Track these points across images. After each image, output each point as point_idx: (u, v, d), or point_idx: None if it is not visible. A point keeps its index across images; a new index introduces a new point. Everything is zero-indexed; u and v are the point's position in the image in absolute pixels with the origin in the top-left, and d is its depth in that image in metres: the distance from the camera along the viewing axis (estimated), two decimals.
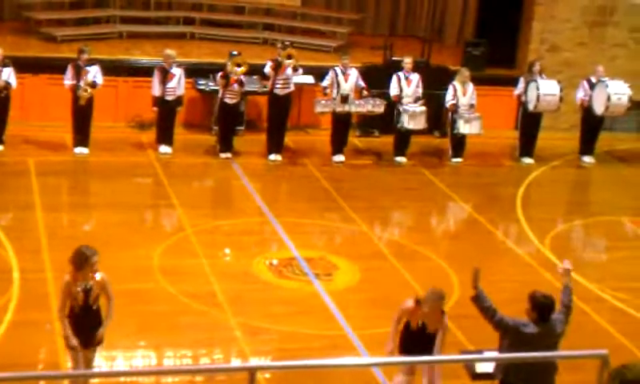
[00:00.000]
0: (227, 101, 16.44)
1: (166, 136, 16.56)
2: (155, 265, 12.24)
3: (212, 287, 11.77)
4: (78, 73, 15.88)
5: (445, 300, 9.75)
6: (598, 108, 17.77)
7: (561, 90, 17.46)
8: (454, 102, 17.19)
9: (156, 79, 16.34)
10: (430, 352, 9.37)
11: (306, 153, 17.32)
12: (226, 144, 16.63)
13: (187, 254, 12.71)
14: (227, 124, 16.64)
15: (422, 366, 9.60)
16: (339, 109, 16.82)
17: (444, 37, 22.52)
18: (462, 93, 17.24)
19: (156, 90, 16.35)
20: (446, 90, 17.38)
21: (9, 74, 15.76)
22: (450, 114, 17.44)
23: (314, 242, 13.61)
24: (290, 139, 17.36)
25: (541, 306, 8.30)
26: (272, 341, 10.74)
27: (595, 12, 20.09)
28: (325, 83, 16.94)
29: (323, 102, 16.86)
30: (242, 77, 16.35)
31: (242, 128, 17.65)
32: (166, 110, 16.38)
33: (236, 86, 16.36)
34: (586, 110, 18.00)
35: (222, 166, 16.35)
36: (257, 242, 13.50)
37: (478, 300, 8.50)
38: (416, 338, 9.49)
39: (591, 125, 18.10)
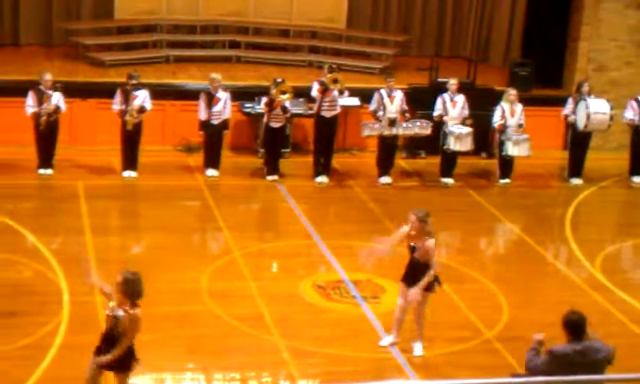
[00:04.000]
0: (272, 125, 16.50)
1: (212, 159, 16.65)
2: (203, 287, 12.27)
3: (259, 310, 11.78)
4: (127, 97, 16.03)
5: (428, 219, 10.46)
6: None
7: (611, 109, 17.31)
8: (502, 122, 17.10)
9: (202, 103, 16.45)
10: (416, 277, 10.52)
11: (353, 175, 17.31)
12: (272, 167, 16.68)
13: (235, 277, 12.73)
14: (273, 147, 16.70)
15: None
16: (387, 132, 16.79)
17: (490, 57, 22.44)
18: (510, 113, 17.14)
19: (202, 114, 16.45)
20: (493, 110, 17.31)
21: (58, 99, 15.95)
22: (497, 135, 17.35)
23: (360, 264, 13.55)
24: (336, 161, 17.36)
25: (570, 323, 8.17)
26: (320, 364, 10.70)
27: None
28: (372, 106, 16.92)
29: (370, 125, 16.84)
30: (286, 103, 16.39)
31: (288, 150, 17.68)
32: (213, 133, 16.47)
33: (280, 110, 16.41)
34: (635, 130, 17.81)
35: (268, 188, 16.39)
36: (304, 264, 13.50)
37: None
38: (410, 262, 10.65)
39: None
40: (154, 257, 13.13)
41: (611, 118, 17.31)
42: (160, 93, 17.37)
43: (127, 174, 16.29)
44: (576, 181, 17.71)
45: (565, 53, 20.23)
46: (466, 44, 22.64)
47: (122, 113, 16.07)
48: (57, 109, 15.93)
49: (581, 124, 17.37)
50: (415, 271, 10.63)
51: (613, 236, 15.56)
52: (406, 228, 10.62)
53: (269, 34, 21.86)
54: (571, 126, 17.75)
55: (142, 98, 16.11)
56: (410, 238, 10.61)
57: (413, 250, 10.61)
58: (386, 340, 11.07)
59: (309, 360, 10.73)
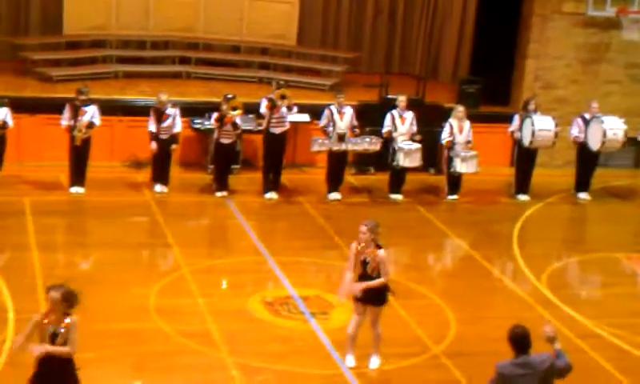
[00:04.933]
0: (222, 141, 16.49)
1: (161, 175, 16.58)
2: (151, 304, 12.20)
3: (208, 326, 11.73)
4: (76, 113, 15.92)
5: (377, 229, 10.57)
6: (594, 144, 17.83)
7: (556, 126, 17.53)
8: (450, 138, 17.25)
9: (151, 119, 16.38)
10: (369, 291, 10.59)
11: (302, 191, 17.35)
12: (221, 183, 16.65)
13: (183, 293, 12.67)
14: (223, 163, 16.68)
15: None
16: (336, 147, 16.86)
17: (439, 74, 22.63)
18: (458, 130, 17.30)
19: (152, 128, 16.38)
20: (442, 127, 17.45)
21: (5, 114, 15.79)
22: (446, 152, 17.50)
23: (310, 280, 13.58)
24: (285, 177, 17.38)
25: (514, 338, 8.25)
26: (268, 380, 10.68)
27: (589, 49, 20.21)
28: (322, 122, 16.99)
29: (320, 140, 16.91)
30: (236, 119, 16.39)
31: (238, 167, 17.67)
32: (161, 149, 16.41)
33: (230, 127, 16.41)
34: (581, 147, 18.07)
35: (217, 204, 16.36)
36: (252, 280, 13.47)
37: None
38: (362, 277, 10.67)
39: (586, 161, 18.16)
40: (102, 273, 13.02)
41: (556, 135, 17.54)
42: (109, 108, 17.25)
43: (75, 189, 16.16)
44: (523, 197, 17.91)
45: (513, 71, 20.48)
46: (415, 61, 22.82)
47: (71, 128, 15.96)
48: (4, 124, 15.76)
49: (526, 141, 17.58)
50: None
51: (559, 252, 15.73)
52: (354, 245, 10.66)
53: (219, 50, 21.85)
54: (517, 143, 17.95)
55: (90, 113, 16.01)
56: (360, 253, 10.64)
57: (365, 264, 10.64)
58: (352, 360, 10.96)
59: (257, 377, 10.70)
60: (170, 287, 12.84)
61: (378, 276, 10.59)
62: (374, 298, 10.69)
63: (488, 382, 8.37)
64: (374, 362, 10.98)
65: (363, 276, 10.67)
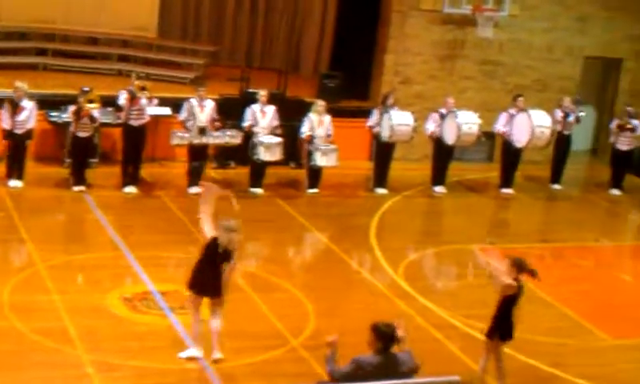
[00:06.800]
0: (79, 134, 16.21)
1: (16, 170, 16.17)
2: (4, 301, 11.89)
3: (64, 323, 11.50)
4: None
5: (235, 232, 10.67)
6: (449, 138, 18.25)
7: (414, 121, 17.87)
8: (310, 133, 17.39)
9: (5, 112, 15.96)
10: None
11: (162, 185, 17.20)
12: (78, 177, 16.35)
13: (38, 290, 12.39)
14: (80, 157, 16.39)
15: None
16: (196, 141, 16.78)
17: (300, 69, 22.77)
18: (318, 124, 17.45)
19: (5, 124, 15.96)
20: (302, 121, 17.57)
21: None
22: (306, 145, 17.62)
23: (169, 275, 13.47)
24: (145, 171, 17.19)
25: (383, 335, 8.42)
26: (125, 377, 10.55)
27: (445, 46, 20.68)
28: (182, 116, 16.88)
29: (180, 134, 16.79)
30: (94, 112, 16.12)
31: (96, 160, 17.38)
32: (16, 143, 16.00)
33: (87, 120, 16.13)
34: (437, 141, 18.47)
35: (74, 199, 16.06)
36: (110, 276, 13.26)
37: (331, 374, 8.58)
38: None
39: (442, 155, 18.57)
40: None
41: (414, 129, 17.88)
42: None
43: None
44: (381, 190, 18.19)
45: (372, 66, 20.77)
46: (276, 55, 22.89)
47: None
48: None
49: (385, 135, 17.87)
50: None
51: (415, 244, 16.05)
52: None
53: (77, 42, 21.44)
54: (376, 137, 18.23)
55: None
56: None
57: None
58: (194, 351, 11.03)
59: (114, 373, 10.56)
60: (24, 284, 12.54)
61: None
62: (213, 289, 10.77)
63: (329, 363, 8.50)
64: (218, 353, 10.99)
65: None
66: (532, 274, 10.59)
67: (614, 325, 13.32)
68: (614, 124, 20.14)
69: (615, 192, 19.91)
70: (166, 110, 17.91)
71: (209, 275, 10.76)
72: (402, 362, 8.52)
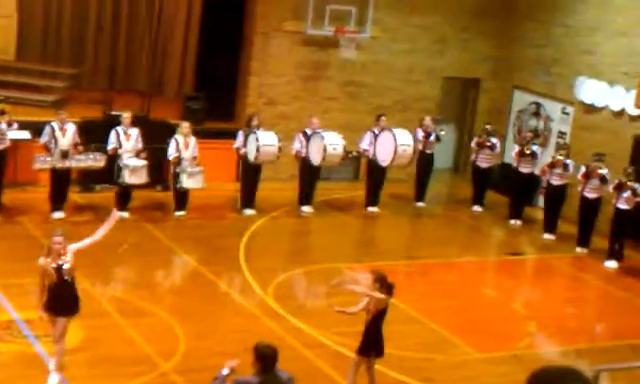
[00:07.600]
0: None
1: None
2: None
3: None
4: None
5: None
6: (315, 158, 18.41)
7: (279, 141, 17.95)
8: (176, 155, 17.27)
9: None
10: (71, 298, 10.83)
11: (24, 210, 16.77)
12: None
13: None
14: None
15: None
16: (59, 165, 16.45)
17: (164, 91, 22.58)
18: (184, 146, 17.35)
19: None
20: (168, 143, 17.44)
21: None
22: (172, 168, 17.49)
23: (33, 303, 13.08)
24: (6, 197, 16.74)
25: (263, 356, 8.42)
26: None
27: (309, 67, 20.87)
28: (44, 139, 16.54)
29: (42, 158, 16.43)
30: None
31: None
32: None
33: None
34: (303, 161, 18.60)
35: None
36: None
37: None
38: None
39: (309, 175, 18.70)
40: None
41: (280, 149, 17.97)
42: None
43: None
44: (249, 211, 18.20)
45: (237, 87, 20.78)
46: (139, 78, 22.63)
47: None
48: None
49: (251, 156, 17.90)
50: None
51: (284, 264, 16.10)
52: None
53: None
54: (243, 159, 18.23)
55: None
56: (55, 258, 10.65)
57: (59, 270, 10.61)
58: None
59: None
60: None
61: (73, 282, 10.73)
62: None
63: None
64: (55, 379, 10.79)
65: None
66: (389, 288, 10.79)
67: (479, 339, 13.67)
68: (473, 142, 20.70)
69: (477, 208, 20.44)
70: (26, 134, 17.46)
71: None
72: (282, 381, 8.51)
